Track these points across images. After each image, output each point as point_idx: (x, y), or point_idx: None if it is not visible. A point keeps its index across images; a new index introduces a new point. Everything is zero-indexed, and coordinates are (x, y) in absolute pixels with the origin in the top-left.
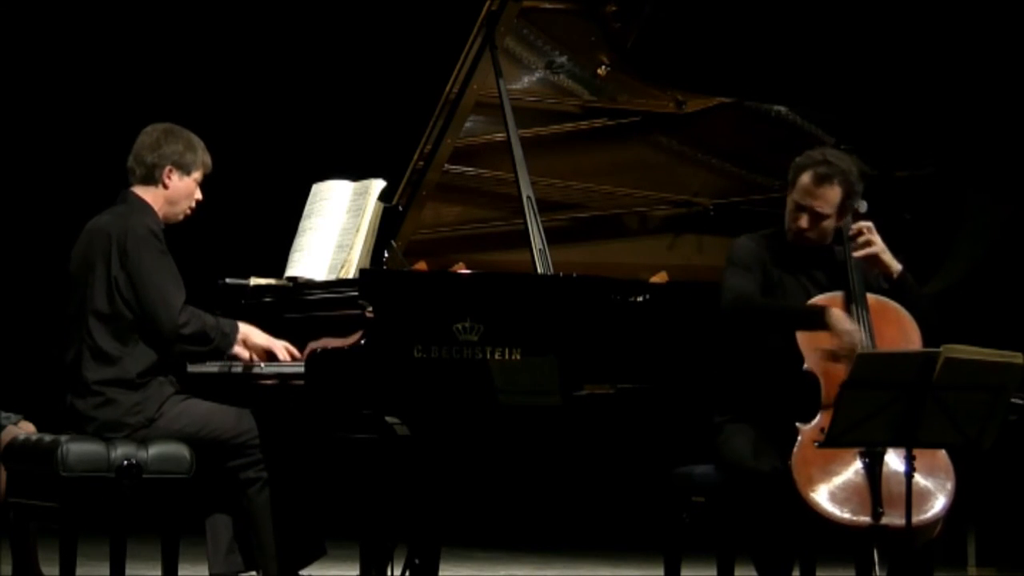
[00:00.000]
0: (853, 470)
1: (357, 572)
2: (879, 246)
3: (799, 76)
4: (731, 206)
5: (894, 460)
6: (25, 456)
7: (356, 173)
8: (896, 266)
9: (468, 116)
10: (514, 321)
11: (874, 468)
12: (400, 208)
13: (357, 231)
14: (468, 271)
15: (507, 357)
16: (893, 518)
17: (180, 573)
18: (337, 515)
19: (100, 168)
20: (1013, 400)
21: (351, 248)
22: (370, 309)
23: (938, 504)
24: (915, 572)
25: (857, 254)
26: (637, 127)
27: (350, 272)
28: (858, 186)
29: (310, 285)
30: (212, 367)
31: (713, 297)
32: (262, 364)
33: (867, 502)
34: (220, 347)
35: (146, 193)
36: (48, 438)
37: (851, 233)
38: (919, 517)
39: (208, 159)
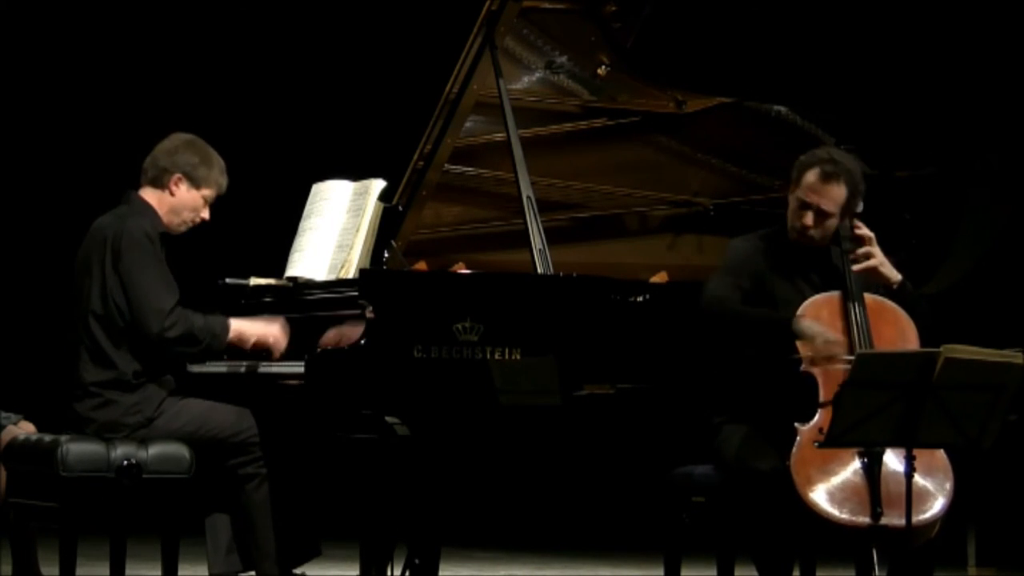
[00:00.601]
0: (852, 470)
1: (357, 572)
2: (879, 258)
3: (799, 76)
4: (731, 206)
5: (893, 460)
6: (25, 456)
7: (356, 173)
8: (895, 276)
9: (468, 116)
10: (514, 321)
11: (873, 468)
12: (400, 208)
13: (357, 231)
14: (468, 271)
15: (507, 357)
16: (892, 518)
17: (180, 573)
18: (336, 515)
19: (100, 169)
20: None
21: (351, 248)
22: (370, 309)
23: (937, 504)
24: (915, 572)
25: (857, 268)
26: (637, 127)
27: (350, 272)
28: (861, 186)
29: (310, 285)
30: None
31: None
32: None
33: (866, 502)
34: (211, 347)
35: (151, 196)
36: (48, 438)
37: (850, 239)
38: (918, 517)
39: (224, 181)
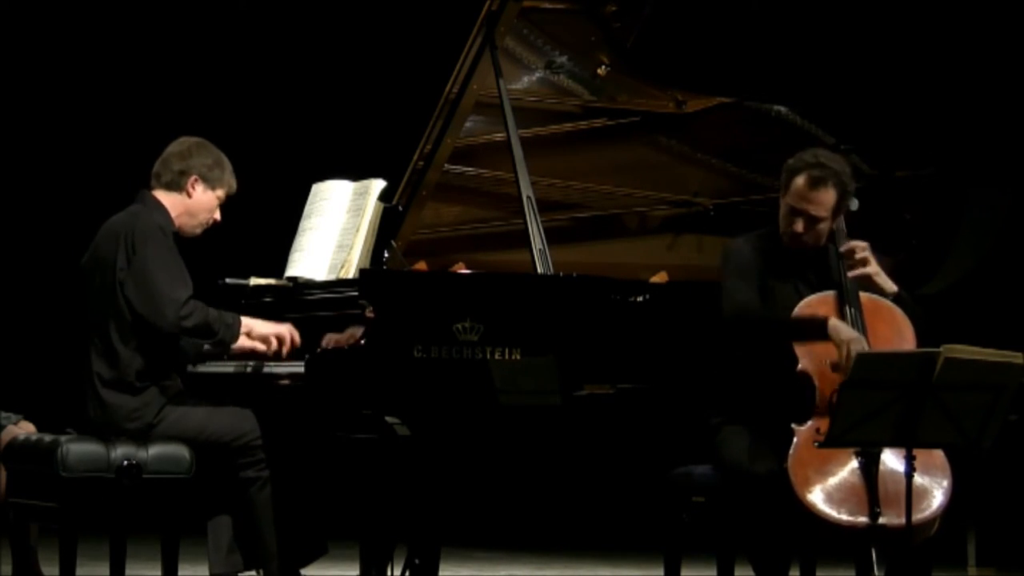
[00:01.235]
0: (849, 470)
1: (357, 572)
2: (873, 267)
3: (799, 76)
4: (731, 206)
5: (890, 459)
6: (25, 456)
7: (356, 173)
8: (891, 287)
9: (468, 116)
10: (514, 321)
11: (870, 468)
12: (400, 208)
13: (357, 231)
14: (468, 271)
15: (507, 357)
16: (890, 518)
17: (180, 573)
18: (337, 515)
19: (103, 169)
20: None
21: (351, 248)
22: (370, 309)
23: (935, 502)
24: (914, 572)
25: (852, 274)
26: (637, 127)
27: (350, 272)
28: (851, 186)
29: (310, 285)
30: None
31: (713, 297)
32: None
33: (864, 502)
34: (224, 338)
35: (167, 198)
36: (48, 438)
37: (844, 250)
38: (917, 516)
39: (233, 182)
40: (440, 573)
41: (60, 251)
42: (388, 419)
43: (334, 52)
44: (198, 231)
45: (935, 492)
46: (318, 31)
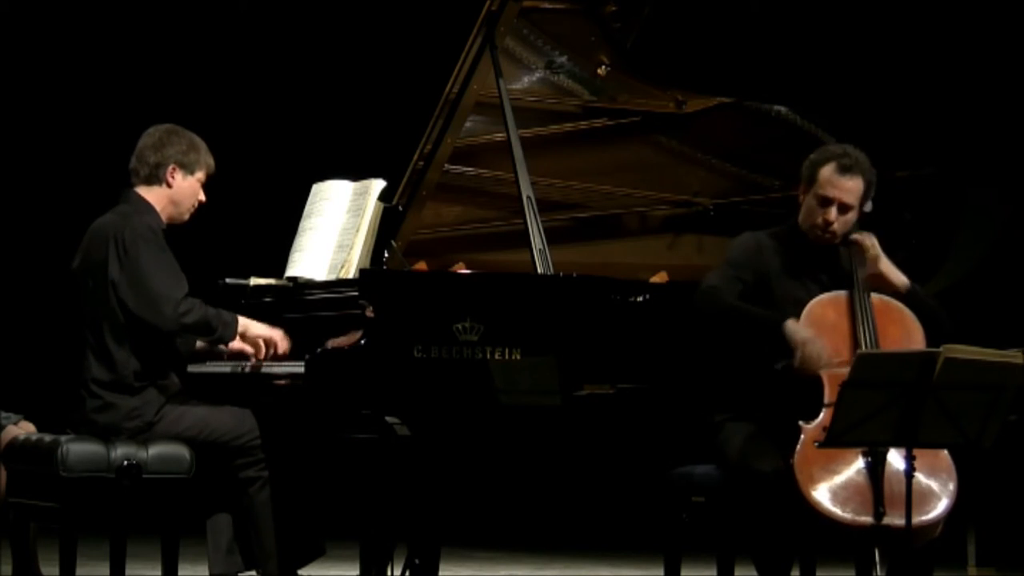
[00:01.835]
0: (855, 469)
1: (357, 572)
2: (883, 260)
3: (799, 76)
4: (731, 206)
5: (897, 460)
6: (25, 456)
7: (356, 173)
8: (903, 281)
9: (468, 116)
10: (514, 321)
11: (876, 468)
12: (400, 208)
13: (357, 231)
14: (468, 271)
15: (507, 357)
16: (895, 518)
17: (180, 573)
18: (337, 515)
19: (100, 169)
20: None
21: (351, 248)
22: (370, 309)
23: (941, 505)
24: (915, 572)
25: (862, 268)
26: (637, 127)
27: (350, 272)
28: (874, 178)
29: (310, 285)
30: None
31: None
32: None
33: (869, 502)
34: (223, 336)
35: (149, 193)
36: (48, 438)
37: (854, 239)
38: (921, 518)
39: (211, 160)
40: (440, 573)
41: (60, 251)
42: (388, 419)
43: (334, 52)
44: (186, 217)
45: (941, 495)
46: (318, 31)
